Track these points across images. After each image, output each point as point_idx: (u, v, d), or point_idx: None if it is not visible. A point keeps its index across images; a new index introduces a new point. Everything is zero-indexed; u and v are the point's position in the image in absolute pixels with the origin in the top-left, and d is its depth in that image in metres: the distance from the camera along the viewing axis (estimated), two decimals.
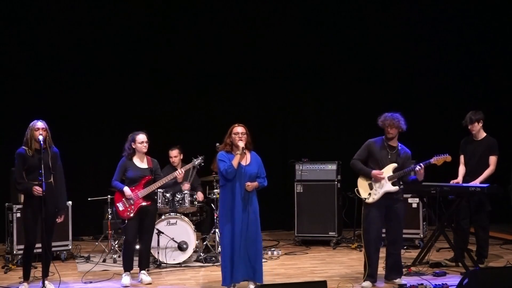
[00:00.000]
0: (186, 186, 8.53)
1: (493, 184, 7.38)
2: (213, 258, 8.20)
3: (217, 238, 8.33)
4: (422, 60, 11.45)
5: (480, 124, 7.76)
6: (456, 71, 11.46)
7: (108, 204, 8.67)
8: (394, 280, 6.91)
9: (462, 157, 7.93)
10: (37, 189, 6.53)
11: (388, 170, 6.82)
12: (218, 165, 6.60)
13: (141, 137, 7.31)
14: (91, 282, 7.29)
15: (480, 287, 5.45)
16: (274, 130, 11.41)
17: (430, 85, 11.47)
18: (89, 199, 9.17)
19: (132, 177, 7.27)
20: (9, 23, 10.19)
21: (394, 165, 6.82)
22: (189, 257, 8.16)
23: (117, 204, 7.26)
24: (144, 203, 7.24)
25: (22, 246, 7.29)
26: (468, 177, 7.78)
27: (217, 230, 8.31)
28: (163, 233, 8.03)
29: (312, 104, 11.58)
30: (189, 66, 10.94)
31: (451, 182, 7.75)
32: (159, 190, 7.93)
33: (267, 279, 6.86)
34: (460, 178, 7.84)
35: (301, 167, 9.58)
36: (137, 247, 7.43)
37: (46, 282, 6.70)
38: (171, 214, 8.24)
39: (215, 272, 7.49)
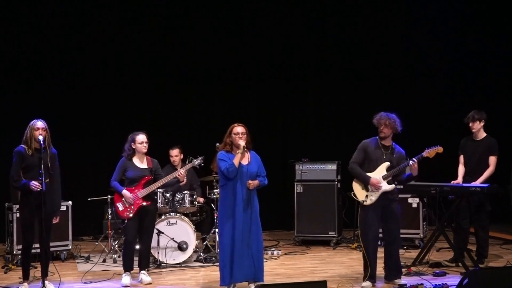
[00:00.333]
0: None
1: (493, 184, 7.38)
2: (213, 258, 8.20)
3: (217, 238, 8.33)
4: (422, 60, 11.45)
5: (482, 124, 7.77)
6: (456, 71, 11.48)
7: (108, 204, 8.67)
8: (394, 280, 6.91)
9: (461, 157, 7.94)
10: (35, 184, 6.50)
11: (381, 169, 6.81)
12: (218, 164, 6.58)
13: (141, 138, 7.31)
14: (91, 282, 7.28)
15: (480, 287, 5.44)
16: (274, 130, 11.40)
17: (430, 85, 11.47)
18: (89, 199, 9.19)
19: (132, 177, 7.26)
20: (9, 23, 10.18)
21: (387, 163, 6.81)
22: (189, 257, 8.16)
23: (117, 204, 7.26)
24: (144, 203, 7.23)
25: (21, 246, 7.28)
26: (468, 177, 7.78)
27: (217, 230, 8.30)
28: (163, 233, 8.02)
29: (312, 104, 11.58)
30: (189, 66, 10.94)
31: (452, 182, 7.74)
32: (159, 190, 7.92)
33: (267, 279, 6.85)
34: (460, 179, 7.84)
35: (301, 167, 9.57)
36: (137, 247, 7.42)
37: (46, 282, 6.69)
38: (171, 214, 8.24)
39: (215, 272, 7.47)
